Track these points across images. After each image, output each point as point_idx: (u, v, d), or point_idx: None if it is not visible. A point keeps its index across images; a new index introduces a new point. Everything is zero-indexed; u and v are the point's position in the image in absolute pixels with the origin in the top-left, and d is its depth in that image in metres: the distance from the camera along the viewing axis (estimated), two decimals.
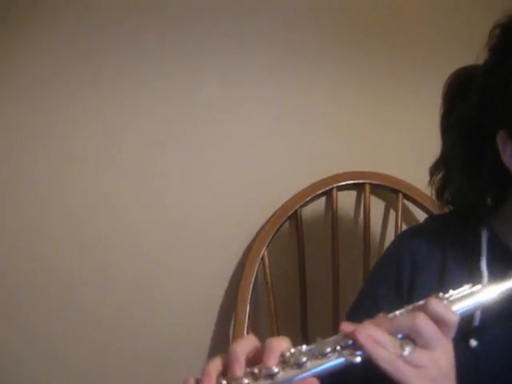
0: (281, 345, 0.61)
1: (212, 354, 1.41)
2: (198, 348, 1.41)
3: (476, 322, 0.77)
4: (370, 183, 1.41)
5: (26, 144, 1.35)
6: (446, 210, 0.91)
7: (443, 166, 0.89)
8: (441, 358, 0.61)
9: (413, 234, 0.92)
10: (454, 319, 0.62)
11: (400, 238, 0.97)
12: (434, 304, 0.62)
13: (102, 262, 1.38)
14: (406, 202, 1.42)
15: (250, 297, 1.33)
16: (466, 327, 0.76)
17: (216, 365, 0.61)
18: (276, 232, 1.37)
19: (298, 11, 1.42)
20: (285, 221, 1.38)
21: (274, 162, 1.43)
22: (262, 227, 1.39)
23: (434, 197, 0.91)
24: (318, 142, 1.44)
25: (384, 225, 1.46)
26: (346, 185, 1.41)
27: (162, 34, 1.37)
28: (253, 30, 1.41)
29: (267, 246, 1.36)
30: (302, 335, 1.35)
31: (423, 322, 0.61)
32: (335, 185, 1.40)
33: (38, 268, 1.36)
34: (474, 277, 0.78)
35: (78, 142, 1.36)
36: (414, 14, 1.45)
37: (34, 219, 1.35)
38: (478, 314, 0.77)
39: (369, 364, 0.60)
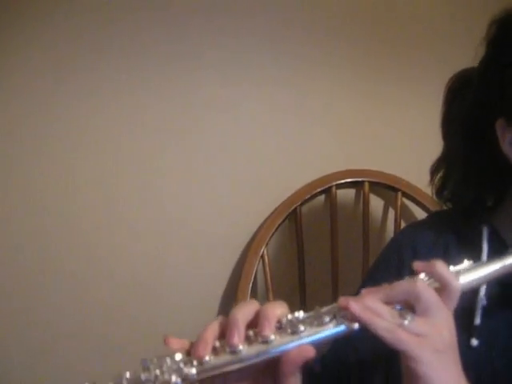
0: (277, 311, 0.59)
1: None
2: None
3: (477, 321, 0.77)
4: (369, 181, 1.41)
5: (26, 143, 1.35)
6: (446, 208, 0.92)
7: (443, 165, 0.90)
8: (442, 326, 0.59)
9: (414, 229, 0.93)
10: (456, 284, 0.61)
11: (401, 232, 0.97)
12: (439, 265, 0.62)
13: (101, 261, 1.38)
14: (405, 200, 1.42)
15: (249, 295, 1.33)
16: (467, 326, 0.76)
17: (213, 330, 0.59)
18: (275, 230, 1.37)
19: (298, 10, 1.42)
20: (284, 219, 1.38)
21: (273, 160, 1.43)
22: (261, 225, 1.39)
23: (434, 196, 0.91)
24: (317, 140, 1.44)
25: (383, 223, 1.47)
26: (345, 183, 1.41)
27: (161, 33, 1.37)
28: (253, 28, 1.40)
29: (267, 244, 1.36)
30: None
31: (422, 287, 0.60)
32: (334, 183, 1.40)
33: (39, 268, 1.36)
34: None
35: (77, 140, 1.36)
36: (414, 13, 1.45)
37: (33, 219, 1.35)
38: (479, 312, 0.77)
39: (367, 336, 0.58)
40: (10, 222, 1.35)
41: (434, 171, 0.90)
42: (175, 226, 1.40)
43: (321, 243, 1.42)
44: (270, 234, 1.37)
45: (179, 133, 1.40)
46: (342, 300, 0.59)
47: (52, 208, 1.36)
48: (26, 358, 1.36)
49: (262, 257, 1.36)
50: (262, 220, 1.40)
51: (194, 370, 0.56)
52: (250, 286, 1.33)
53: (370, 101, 1.45)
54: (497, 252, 0.77)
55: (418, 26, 1.45)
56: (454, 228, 0.86)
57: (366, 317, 0.57)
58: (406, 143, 1.45)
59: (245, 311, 0.59)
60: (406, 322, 0.58)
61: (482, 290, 0.78)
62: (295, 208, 1.38)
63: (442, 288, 0.61)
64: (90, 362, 1.38)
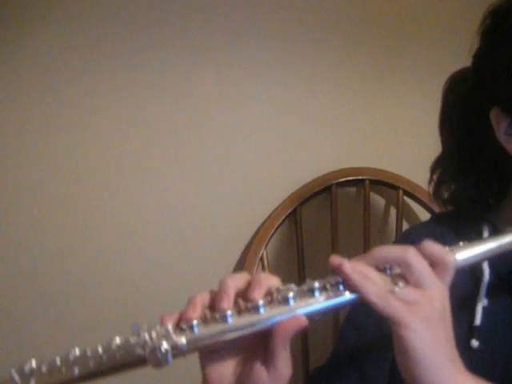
0: (269, 280, 0.59)
1: None
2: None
3: (477, 322, 0.76)
4: (369, 179, 1.40)
5: (26, 144, 1.34)
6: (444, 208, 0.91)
7: (441, 164, 0.89)
8: (435, 297, 0.58)
9: (415, 231, 0.92)
10: (450, 259, 0.60)
11: (403, 235, 0.97)
12: (429, 244, 0.60)
13: (101, 263, 1.37)
14: (406, 198, 1.41)
15: None
16: (467, 327, 0.76)
17: (203, 297, 0.59)
18: (275, 230, 1.37)
19: (297, 8, 1.41)
20: (284, 219, 1.37)
21: (272, 160, 1.42)
22: (261, 226, 1.38)
23: (431, 196, 0.90)
24: (317, 139, 1.44)
25: (384, 221, 1.46)
26: (346, 181, 1.41)
27: (161, 32, 1.37)
28: (253, 28, 1.40)
29: (266, 245, 1.35)
30: (301, 335, 1.34)
31: (414, 256, 0.58)
32: (334, 181, 1.39)
33: (39, 268, 1.35)
34: (475, 272, 0.78)
35: (77, 140, 1.36)
36: (414, 11, 1.45)
37: (33, 220, 1.35)
38: (479, 313, 0.76)
39: (361, 305, 0.57)
40: (9, 223, 1.35)
41: (433, 171, 0.90)
42: (174, 227, 1.40)
43: (321, 243, 1.41)
44: (270, 235, 1.36)
45: (178, 133, 1.39)
46: (334, 259, 0.59)
47: (51, 208, 1.36)
48: (26, 358, 1.35)
49: (262, 258, 1.35)
50: (261, 220, 1.39)
51: (183, 340, 0.55)
52: None
53: (370, 99, 1.44)
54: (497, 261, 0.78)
55: (419, 23, 1.44)
56: (456, 228, 0.85)
57: (358, 280, 0.57)
58: (406, 141, 1.44)
59: (235, 279, 0.59)
60: (397, 289, 0.57)
61: (483, 290, 0.77)
62: (295, 208, 1.38)
63: (435, 264, 0.60)
64: None
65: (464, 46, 0.80)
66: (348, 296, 0.57)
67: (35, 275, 1.35)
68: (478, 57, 0.81)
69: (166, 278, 1.40)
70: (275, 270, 1.38)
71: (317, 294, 0.57)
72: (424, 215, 1.39)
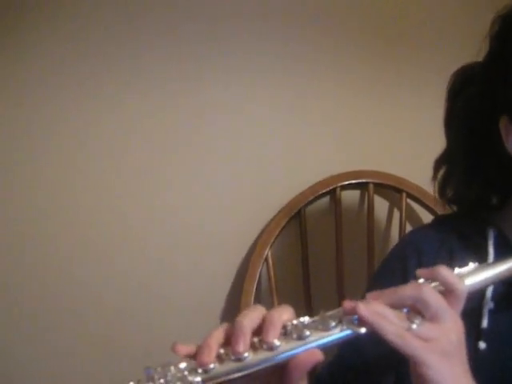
0: (282, 316, 0.58)
1: None
2: None
3: (484, 324, 0.76)
4: (373, 182, 1.40)
5: (27, 145, 1.35)
6: (449, 209, 0.91)
7: (446, 162, 0.89)
8: (451, 330, 0.58)
9: (419, 234, 0.92)
10: (461, 287, 0.60)
11: (406, 237, 0.97)
12: (443, 270, 0.61)
13: (106, 261, 1.38)
14: (409, 201, 1.41)
15: (253, 297, 1.33)
16: (475, 329, 0.75)
17: (218, 337, 0.58)
18: (280, 232, 1.37)
19: (300, 12, 1.41)
20: (288, 221, 1.38)
21: (277, 162, 1.42)
22: (266, 227, 1.38)
23: (436, 195, 0.90)
24: (321, 142, 1.43)
25: (388, 224, 1.46)
26: (350, 184, 1.41)
27: (164, 35, 1.37)
28: (256, 32, 1.40)
29: (271, 246, 1.36)
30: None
31: (429, 292, 0.59)
32: (339, 184, 1.39)
33: (41, 268, 1.36)
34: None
35: (79, 142, 1.36)
36: (416, 12, 1.45)
37: (35, 221, 1.35)
38: (485, 315, 0.76)
39: (373, 340, 0.57)
40: (11, 223, 1.35)
41: (436, 168, 0.89)
42: (179, 228, 1.40)
43: (325, 245, 1.41)
44: (275, 236, 1.36)
45: (182, 135, 1.40)
46: (348, 303, 0.58)
47: (54, 208, 1.36)
48: (27, 360, 1.36)
49: (267, 259, 1.35)
50: (266, 222, 1.39)
51: (198, 378, 0.55)
52: (255, 287, 1.33)
53: (374, 101, 1.44)
54: (503, 254, 0.77)
55: (421, 25, 1.44)
56: (459, 231, 0.85)
57: (375, 321, 0.57)
58: (410, 144, 1.44)
59: (250, 318, 0.58)
60: (415, 326, 0.57)
61: (489, 293, 0.77)
62: (299, 210, 1.38)
63: (448, 292, 0.60)
64: (93, 363, 1.38)
65: (468, 48, 0.80)
66: (363, 330, 0.57)
67: (38, 276, 1.36)
68: (488, 62, 0.81)
69: (170, 279, 1.40)
70: (279, 271, 1.38)
71: (332, 327, 0.57)
72: (428, 218, 1.37)
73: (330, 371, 0.84)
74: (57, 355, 1.37)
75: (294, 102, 1.42)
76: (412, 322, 0.57)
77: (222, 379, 0.56)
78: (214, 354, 0.56)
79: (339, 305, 1.32)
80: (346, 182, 1.40)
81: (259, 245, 1.36)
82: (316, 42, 1.42)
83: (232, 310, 1.40)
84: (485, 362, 0.73)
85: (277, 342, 0.56)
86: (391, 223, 1.46)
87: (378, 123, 1.45)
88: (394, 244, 1.37)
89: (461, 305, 0.61)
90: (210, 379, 0.56)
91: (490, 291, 0.77)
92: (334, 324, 0.57)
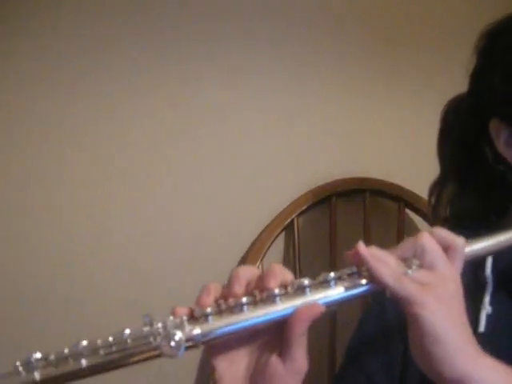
0: (283, 272, 0.58)
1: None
2: (192, 359, 1.36)
3: (481, 329, 0.76)
4: (370, 190, 1.39)
5: (26, 142, 1.33)
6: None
7: (440, 184, 0.89)
8: (447, 278, 0.59)
9: None
10: (460, 242, 0.61)
11: None
12: (440, 230, 0.62)
13: (101, 262, 1.35)
14: (407, 210, 1.40)
15: None
16: (472, 334, 0.74)
17: (216, 285, 0.58)
18: (272, 243, 1.35)
19: (300, 13, 1.42)
20: (281, 231, 1.36)
21: (271, 170, 1.42)
22: (257, 238, 1.36)
23: (430, 216, 0.91)
24: (317, 148, 1.43)
25: (385, 234, 1.44)
26: (346, 192, 1.39)
27: (164, 35, 1.36)
28: (255, 33, 1.40)
29: (262, 258, 1.33)
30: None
31: (427, 240, 0.60)
32: (334, 192, 1.38)
33: (33, 269, 1.33)
34: (479, 280, 0.79)
35: (77, 140, 1.34)
36: (417, 14, 1.45)
37: (33, 220, 1.33)
38: (483, 320, 0.77)
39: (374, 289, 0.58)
40: (8, 221, 1.32)
41: (430, 194, 0.90)
42: (172, 236, 1.38)
43: (319, 256, 1.40)
44: (267, 247, 1.34)
45: (178, 139, 1.38)
46: (350, 251, 0.61)
47: (50, 207, 1.33)
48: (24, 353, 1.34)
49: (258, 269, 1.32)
50: (258, 232, 1.37)
51: (198, 330, 0.54)
52: None
53: (372, 109, 1.44)
54: (501, 263, 0.79)
55: (421, 28, 1.45)
56: None
57: (372, 262, 0.58)
58: (408, 152, 1.44)
59: (247, 269, 0.59)
60: (411, 272, 0.58)
61: (487, 299, 0.78)
62: (292, 219, 1.36)
63: (446, 248, 0.61)
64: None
65: (465, 50, 0.81)
66: (364, 284, 0.58)
67: (34, 275, 1.32)
68: (475, 75, 0.83)
69: (163, 287, 1.37)
70: None
71: (332, 284, 0.58)
72: (425, 227, 1.35)
73: (343, 366, 0.84)
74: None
75: (290, 109, 1.42)
76: (409, 267, 0.58)
77: (221, 333, 0.55)
78: (212, 297, 0.57)
79: (331, 316, 1.31)
80: (342, 190, 1.38)
81: (251, 254, 1.35)
82: (316, 43, 1.42)
83: None
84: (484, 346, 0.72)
85: (277, 291, 0.56)
86: (388, 232, 1.43)
87: (376, 130, 1.45)
88: None
89: (460, 260, 0.61)
90: (210, 331, 0.55)
91: (487, 297, 0.78)
92: (333, 281, 0.58)
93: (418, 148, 1.39)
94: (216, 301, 0.57)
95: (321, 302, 0.56)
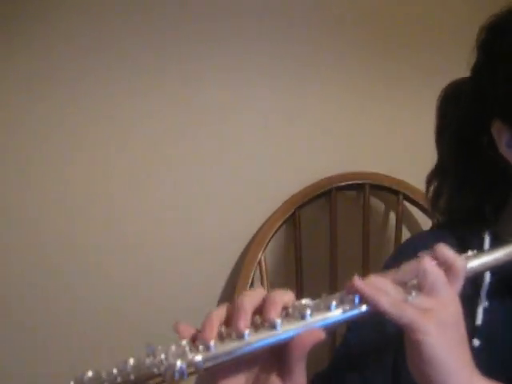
0: (284, 297, 0.58)
1: None
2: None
3: (479, 322, 0.77)
4: (369, 184, 1.40)
5: (25, 143, 1.34)
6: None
7: (438, 174, 0.89)
8: (448, 303, 0.59)
9: (417, 239, 0.93)
10: (460, 263, 0.61)
11: (402, 244, 0.98)
12: (442, 248, 0.62)
13: (99, 263, 1.37)
14: (405, 203, 1.41)
15: None
16: (469, 326, 0.76)
17: (219, 314, 0.58)
18: (273, 234, 1.36)
19: (300, 12, 1.41)
20: (282, 223, 1.37)
21: (272, 163, 1.42)
22: (259, 229, 1.37)
23: (428, 207, 0.91)
24: (317, 142, 1.43)
25: (384, 226, 1.45)
26: (346, 185, 1.40)
27: (164, 35, 1.37)
28: (253, 32, 1.40)
29: (264, 249, 1.35)
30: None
31: (428, 265, 0.60)
32: (334, 185, 1.39)
33: (39, 268, 1.35)
34: (476, 279, 0.77)
35: (76, 140, 1.36)
36: (417, 13, 1.44)
37: (31, 218, 1.35)
38: (480, 313, 0.77)
39: (374, 316, 0.58)
40: (7, 221, 1.34)
41: (428, 183, 0.90)
42: (172, 230, 1.39)
43: (320, 247, 1.40)
44: (268, 238, 1.35)
45: (178, 136, 1.39)
46: (348, 282, 0.60)
47: (49, 207, 1.35)
48: (20, 361, 1.35)
49: (260, 261, 1.34)
50: (260, 224, 1.38)
51: (199, 357, 0.55)
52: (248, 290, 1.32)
53: (371, 103, 1.44)
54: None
55: (420, 27, 1.44)
56: (457, 236, 0.84)
57: (371, 293, 0.57)
58: (407, 145, 1.44)
59: (251, 297, 0.58)
60: (411, 298, 0.58)
61: (484, 293, 0.78)
62: (294, 212, 1.37)
63: (447, 268, 0.61)
64: (87, 362, 1.35)
65: (465, 50, 0.80)
66: (364, 307, 0.58)
67: (35, 275, 1.35)
68: (477, 70, 0.81)
69: (163, 281, 1.39)
70: (273, 273, 1.37)
71: (333, 307, 0.58)
72: (424, 220, 1.38)
73: (335, 357, 0.85)
74: (52, 359, 1.36)
75: (290, 104, 1.42)
76: (409, 294, 0.58)
77: (223, 358, 0.56)
78: (215, 331, 0.56)
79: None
80: (342, 184, 1.39)
81: (253, 246, 1.36)
82: (316, 43, 1.42)
83: None
84: (479, 358, 0.72)
85: (278, 320, 0.56)
86: (387, 225, 1.45)
87: (375, 124, 1.45)
88: (390, 247, 1.39)
89: (459, 283, 0.61)
90: (211, 358, 0.55)
91: (484, 290, 0.78)
92: (335, 304, 0.58)
93: (418, 148, 1.35)
94: (220, 327, 0.57)
95: (321, 324, 0.57)
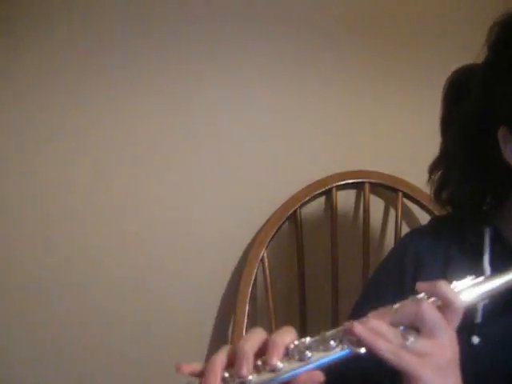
0: (285, 340, 0.60)
1: (211, 354, 1.39)
2: (196, 348, 1.40)
3: (478, 319, 0.77)
4: (369, 182, 1.40)
5: (28, 145, 1.34)
6: (445, 210, 0.91)
7: (442, 165, 0.89)
8: (446, 346, 0.60)
9: (416, 234, 0.93)
10: (459, 303, 0.62)
11: (404, 238, 0.97)
12: (442, 285, 0.63)
13: (100, 262, 1.37)
14: (406, 200, 1.41)
15: (249, 297, 1.32)
16: (468, 324, 0.76)
17: (221, 361, 0.59)
18: (275, 233, 1.36)
19: (300, 13, 1.41)
20: (284, 221, 1.37)
21: (272, 162, 1.42)
22: (262, 228, 1.38)
23: (431, 197, 0.91)
24: (317, 141, 1.43)
25: (384, 224, 1.46)
26: (346, 184, 1.41)
27: (164, 35, 1.37)
28: (256, 32, 1.40)
29: (266, 247, 1.35)
30: (300, 336, 1.33)
31: (427, 308, 0.61)
32: (335, 184, 1.39)
33: (37, 268, 1.35)
34: (476, 273, 0.77)
35: (79, 142, 1.36)
36: (417, 13, 1.44)
37: (34, 220, 1.35)
38: (479, 310, 0.77)
39: (373, 357, 0.59)
40: (9, 221, 1.35)
41: (432, 171, 0.90)
42: (174, 229, 1.39)
43: (321, 245, 1.41)
44: (270, 237, 1.36)
45: (178, 136, 1.39)
46: (348, 324, 0.61)
47: (52, 208, 1.35)
48: (24, 361, 1.35)
49: (262, 260, 1.35)
50: (261, 222, 1.39)
51: None
52: (250, 288, 1.33)
53: (370, 102, 1.44)
54: (499, 254, 0.80)
55: (420, 26, 1.43)
56: (456, 231, 0.85)
57: (370, 339, 0.59)
58: (406, 144, 1.44)
59: (253, 341, 0.60)
60: (409, 343, 0.59)
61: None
62: (295, 210, 1.38)
63: (445, 307, 0.62)
64: (88, 363, 1.37)
65: (466, 49, 0.79)
66: (363, 350, 0.60)
67: (35, 275, 1.35)
68: (486, 72, 0.80)
69: (165, 280, 1.39)
70: (275, 272, 1.38)
71: (332, 347, 0.60)
72: (424, 218, 1.38)
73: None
74: (54, 358, 1.36)
75: (290, 103, 1.42)
76: (406, 339, 0.59)
77: None
78: (218, 379, 0.58)
79: (333, 305, 1.31)
80: (342, 182, 1.40)
81: (255, 244, 1.36)
82: (315, 43, 1.42)
83: (228, 310, 1.40)
84: (478, 356, 0.74)
85: (280, 365, 0.58)
86: (387, 223, 1.45)
87: (375, 123, 1.44)
88: (390, 244, 1.40)
89: (457, 320, 0.62)
90: None
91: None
92: (334, 344, 0.60)
93: (418, 147, 1.38)
94: (222, 373, 0.59)
95: (321, 363, 0.60)
